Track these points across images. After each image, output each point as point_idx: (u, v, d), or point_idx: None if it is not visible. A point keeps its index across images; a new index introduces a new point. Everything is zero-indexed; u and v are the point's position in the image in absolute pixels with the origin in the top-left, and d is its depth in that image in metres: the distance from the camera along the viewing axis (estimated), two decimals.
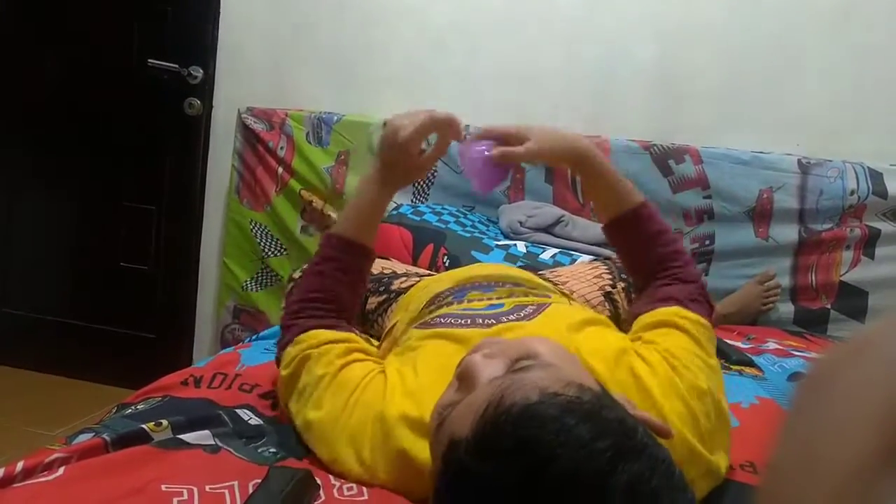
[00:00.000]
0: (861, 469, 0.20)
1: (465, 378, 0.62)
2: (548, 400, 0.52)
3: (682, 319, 0.88)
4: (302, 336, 0.92)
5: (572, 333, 0.85)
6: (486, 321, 0.91)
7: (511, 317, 0.92)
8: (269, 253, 2.17)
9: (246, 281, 2.19)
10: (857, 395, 0.22)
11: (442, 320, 0.94)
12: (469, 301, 1.00)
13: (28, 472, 0.72)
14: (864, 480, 0.20)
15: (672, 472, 0.50)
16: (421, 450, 0.75)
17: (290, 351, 0.92)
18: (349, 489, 0.78)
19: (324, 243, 1.03)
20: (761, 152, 1.88)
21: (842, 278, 1.84)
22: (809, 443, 0.22)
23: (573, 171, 1.17)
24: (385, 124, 0.99)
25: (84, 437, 0.83)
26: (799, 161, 1.84)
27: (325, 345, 0.90)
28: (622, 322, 1.41)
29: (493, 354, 0.63)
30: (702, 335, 0.88)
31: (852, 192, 1.81)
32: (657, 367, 0.80)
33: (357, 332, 0.98)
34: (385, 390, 0.82)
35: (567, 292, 1.33)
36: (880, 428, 0.20)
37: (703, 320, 0.90)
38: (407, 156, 0.97)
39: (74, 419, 2.07)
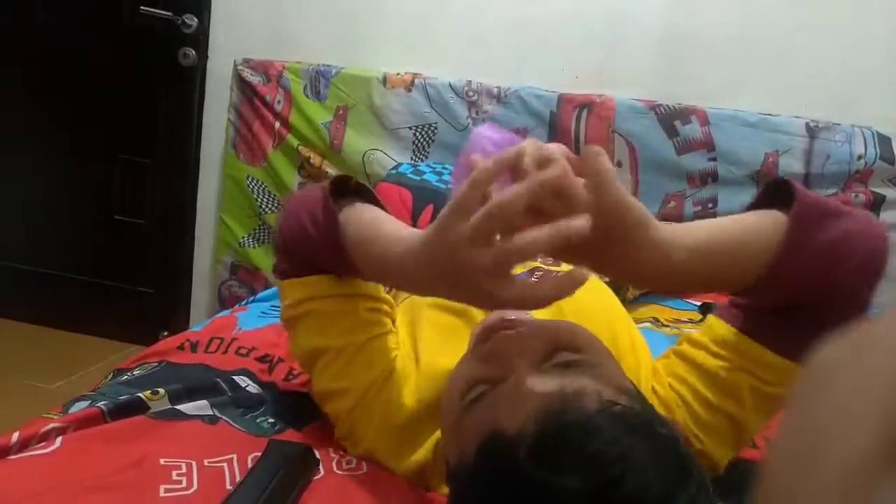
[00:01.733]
0: (862, 466, 0.19)
1: (496, 356, 0.59)
2: (608, 409, 0.50)
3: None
4: (310, 279, 0.78)
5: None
6: None
7: None
8: (267, 209, 2.14)
9: (243, 237, 2.16)
10: (858, 390, 0.21)
11: None
12: None
13: (24, 443, 0.71)
14: (865, 478, 0.19)
15: (710, 489, 0.50)
16: (424, 449, 0.75)
17: (296, 292, 0.79)
18: (348, 463, 0.77)
19: (323, 220, 0.72)
20: (769, 115, 1.84)
21: None
22: (808, 440, 0.21)
23: None
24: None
25: (81, 406, 0.82)
26: (807, 124, 1.81)
27: (336, 297, 0.78)
28: (620, 290, 1.40)
29: (527, 335, 0.61)
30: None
31: (859, 157, 1.78)
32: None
33: None
34: (401, 384, 0.78)
35: None
36: (881, 425, 0.19)
37: (789, 366, 0.71)
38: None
39: (71, 373, 2.09)
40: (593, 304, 0.88)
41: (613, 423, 0.49)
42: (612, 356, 0.62)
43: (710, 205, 1.88)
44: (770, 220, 0.63)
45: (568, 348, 0.59)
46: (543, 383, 0.54)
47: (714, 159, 1.85)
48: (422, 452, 0.74)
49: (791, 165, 1.81)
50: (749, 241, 0.63)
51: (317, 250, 0.75)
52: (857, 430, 0.20)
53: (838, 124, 1.80)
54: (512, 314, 0.67)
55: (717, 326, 0.74)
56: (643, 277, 0.62)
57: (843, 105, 1.82)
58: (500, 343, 0.60)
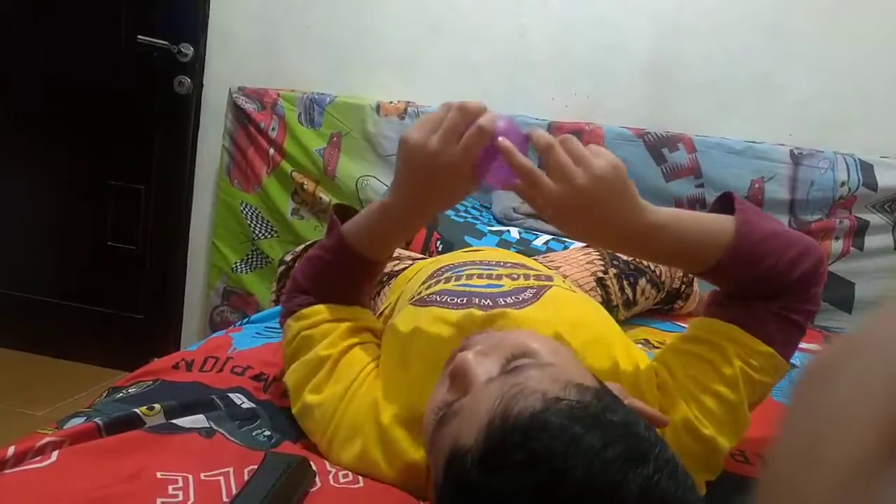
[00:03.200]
0: (861, 466, 0.20)
1: (458, 378, 0.60)
2: (552, 406, 0.51)
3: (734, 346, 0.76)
4: (306, 311, 0.89)
5: (568, 328, 0.83)
6: (482, 301, 0.89)
7: (508, 300, 0.90)
8: (260, 235, 2.15)
9: (236, 263, 2.17)
10: (857, 390, 0.21)
11: (438, 298, 0.92)
12: (468, 278, 0.97)
13: (20, 458, 0.71)
14: (865, 477, 0.20)
15: (677, 469, 0.50)
16: (416, 449, 0.75)
17: (293, 325, 0.89)
18: (344, 476, 0.77)
19: (327, 238, 0.90)
20: (754, 142, 1.88)
21: (829, 269, 1.85)
22: (809, 440, 0.22)
23: None
24: (401, 142, 0.77)
25: (76, 421, 0.82)
26: (791, 151, 1.85)
27: (329, 322, 0.87)
28: (614, 308, 1.42)
29: (485, 352, 0.62)
30: (749, 368, 0.76)
31: (843, 184, 1.82)
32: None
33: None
34: (379, 388, 0.81)
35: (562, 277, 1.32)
36: (881, 424, 0.20)
37: (769, 351, 0.77)
38: (443, 171, 0.76)
39: (61, 400, 2.07)
40: (587, 319, 0.90)
41: (558, 418, 0.50)
42: (572, 357, 0.63)
43: None
44: (721, 217, 0.78)
45: (523, 355, 0.60)
46: (489, 393, 0.55)
47: (701, 185, 1.89)
48: (421, 454, 0.74)
49: (777, 192, 1.85)
50: (706, 221, 0.78)
51: (327, 264, 0.89)
52: (857, 429, 0.20)
53: (821, 151, 1.84)
54: (476, 336, 0.68)
55: (707, 322, 0.81)
56: (622, 235, 0.75)
57: (826, 132, 1.87)
58: (457, 365, 0.61)
